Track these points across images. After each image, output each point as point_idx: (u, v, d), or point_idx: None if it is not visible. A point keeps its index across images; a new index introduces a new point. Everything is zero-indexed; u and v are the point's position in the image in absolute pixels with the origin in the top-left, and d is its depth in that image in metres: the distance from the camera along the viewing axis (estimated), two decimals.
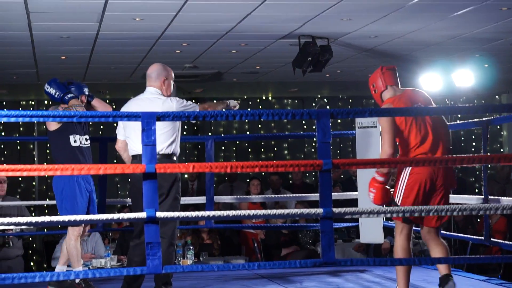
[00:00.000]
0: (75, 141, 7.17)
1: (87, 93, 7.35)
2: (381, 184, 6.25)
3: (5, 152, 14.90)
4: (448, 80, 10.52)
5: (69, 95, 7.20)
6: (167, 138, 6.68)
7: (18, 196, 13.51)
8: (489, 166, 7.52)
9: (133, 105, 6.79)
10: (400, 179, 6.26)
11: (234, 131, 15.61)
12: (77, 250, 7.01)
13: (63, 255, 7.18)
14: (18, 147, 14.70)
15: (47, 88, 7.26)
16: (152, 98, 6.81)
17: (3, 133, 14.94)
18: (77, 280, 6.94)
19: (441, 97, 11.35)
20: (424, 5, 8.76)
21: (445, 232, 8.62)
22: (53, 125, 7.19)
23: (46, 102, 14.19)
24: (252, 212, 5.87)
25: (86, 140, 7.29)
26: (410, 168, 6.21)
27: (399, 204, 6.21)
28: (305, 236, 11.24)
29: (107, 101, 14.62)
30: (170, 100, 6.77)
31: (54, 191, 7.16)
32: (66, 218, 5.55)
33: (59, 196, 7.10)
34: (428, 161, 6.19)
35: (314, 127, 15.49)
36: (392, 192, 6.32)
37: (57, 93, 7.21)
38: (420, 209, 5.77)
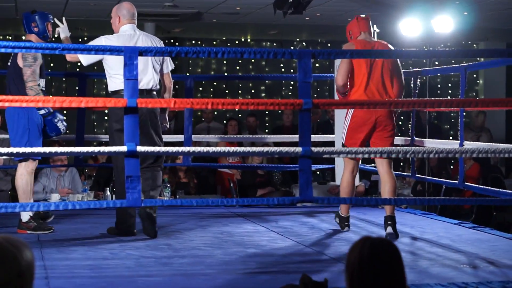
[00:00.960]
0: (42, 87, 6.96)
1: (52, 21, 7.22)
2: None
3: None
4: (427, 26, 10.54)
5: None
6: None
7: None
8: (464, 114, 7.62)
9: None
10: (344, 121, 7.10)
11: (212, 72, 15.62)
12: (31, 185, 7.01)
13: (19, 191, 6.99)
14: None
15: (33, 18, 7.06)
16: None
17: None
18: (27, 218, 6.91)
19: (420, 42, 11.40)
20: None
21: (420, 175, 8.76)
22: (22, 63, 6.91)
23: (24, 38, 14.08)
24: (231, 149, 5.97)
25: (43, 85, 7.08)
26: (352, 111, 6.97)
27: (343, 141, 7.06)
28: (278, 179, 11.34)
29: (85, 38, 14.59)
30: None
31: (11, 124, 6.91)
32: (50, 149, 5.59)
33: (21, 129, 6.85)
34: (401, 103, 6.33)
35: (292, 70, 15.53)
36: None
37: (39, 29, 7.07)
38: (397, 150, 5.87)
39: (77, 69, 14.15)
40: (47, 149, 5.99)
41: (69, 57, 6.91)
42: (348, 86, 7.04)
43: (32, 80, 6.79)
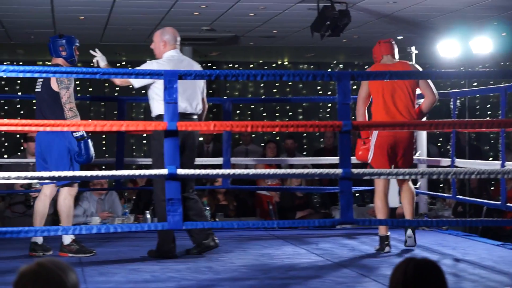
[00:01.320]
0: None
1: (78, 44, 7.22)
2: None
3: (21, 112, 15.00)
4: (466, 47, 10.51)
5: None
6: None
7: (19, 154, 13.36)
8: (505, 134, 7.57)
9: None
10: (370, 141, 7.32)
11: (249, 95, 15.66)
12: (72, 209, 7.04)
13: (38, 215, 6.93)
14: (34, 107, 14.77)
15: (61, 43, 7.07)
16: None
17: (19, 93, 15.02)
18: (69, 241, 6.90)
19: (458, 63, 11.35)
20: None
21: (461, 197, 8.70)
22: (57, 87, 6.91)
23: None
24: (271, 171, 5.94)
25: None
26: (377, 132, 7.20)
27: (369, 161, 7.28)
28: (318, 200, 11.31)
29: (123, 63, 14.73)
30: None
31: (49, 149, 6.86)
32: (92, 173, 5.63)
33: (62, 153, 6.83)
34: (441, 124, 6.30)
35: (329, 93, 15.53)
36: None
37: (67, 53, 7.08)
38: (439, 171, 5.83)
39: (116, 94, 14.26)
40: (88, 173, 6.03)
41: (119, 81, 6.93)
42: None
43: (71, 101, 6.81)
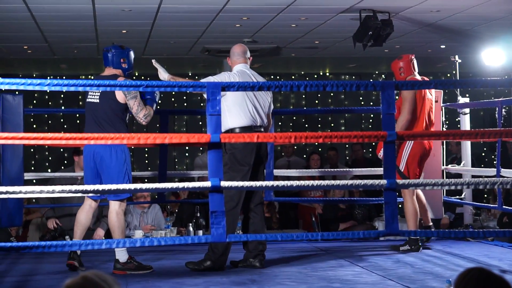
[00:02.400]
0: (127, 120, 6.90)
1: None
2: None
3: (65, 126, 15.11)
4: (510, 55, 10.39)
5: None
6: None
7: (63, 168, 13.37)
8: None
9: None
10: (403, 149, 7.70)
11: (291, 107, 15.63)
12: (125, 224, 6.89)
13: (81, 226, 6.80)
14: (78, 121, 14.88)
15: (124, 54, 6.91)
16: None
17: (62, 107, 15.14)
18: (125, 258, 6.72)
19: (503, 72, 11.22)
20: None
21: (506, 207, 8.57)
22: (123, 98, 6.75)
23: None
24: (315, 182, 5.90)
25: None
26: (413, 142, 7.64)
27: (402, 169, 7.70)
28: (360, 212, 11.23)
29: None
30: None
31: (109, 162, 6.64)
32: (135, 186, 5.63)
33: (122, 167, 6.66)
34: (487, 134, 6.22)
35: (371, 103, 15.44)
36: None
37: (128, 65, 6.92)
38: (485, 181, 5.75)
39: (158, 107, 14.30)
40: (132, 186, 6.03)
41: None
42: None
43: (142, 108, 6.69)
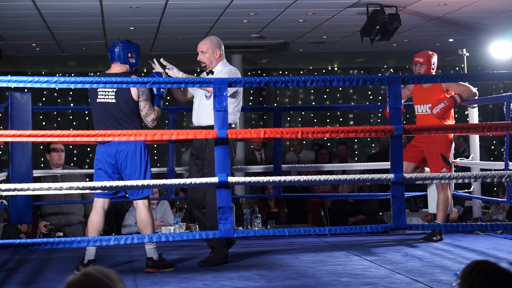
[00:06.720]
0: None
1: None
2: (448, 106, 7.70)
3: (74, 123, 15.15)
4: None
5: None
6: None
7: (72, 164, 13.34)
8: None
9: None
10: (451, 140, 7.85)
11: (300, 102, 15.64)
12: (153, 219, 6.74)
13: (94, 228, 6.64)
14: (86, 118, 14.92)
15: (132, 49, 6.70)
16: None
17: (71, 104, 15.19)
18: (157, 255, 6.60)
19: (511, 65, 11.20)
20: None
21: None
22: (136, 96, 6.58)
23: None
24: (322, 177, 5.90)
25: None
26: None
27: (450, 161, 7.87)
28: (369, 206, 11.23)
29: None
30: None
31: (133, 160, 6.52)
32: (143, 182, 5.63)
33: (145, 164, 6.56)
34: (495, 127, 6.27)
35: (380, 98, 15.44)
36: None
37: (135, 61, 6.71)
38: (493, 174, 5.75)
39: (167, 103, 14.32)
40: (140, 182, 6.04)
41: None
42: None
43: (152, 112, 6.55)
